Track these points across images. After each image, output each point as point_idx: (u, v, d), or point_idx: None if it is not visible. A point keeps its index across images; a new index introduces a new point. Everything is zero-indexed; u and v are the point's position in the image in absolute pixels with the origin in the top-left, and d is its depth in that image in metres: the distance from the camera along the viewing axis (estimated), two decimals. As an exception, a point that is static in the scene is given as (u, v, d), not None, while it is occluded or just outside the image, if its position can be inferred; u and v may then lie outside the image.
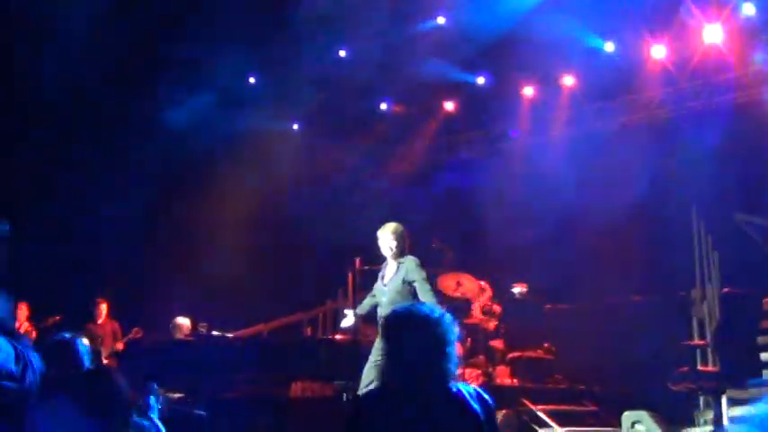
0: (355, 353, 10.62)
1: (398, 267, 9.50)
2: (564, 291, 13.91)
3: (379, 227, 9.66)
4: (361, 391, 9.23)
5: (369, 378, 9.04)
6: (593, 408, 11.82)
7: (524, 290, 13.47)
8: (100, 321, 14.92)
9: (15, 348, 3.68)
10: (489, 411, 3.87)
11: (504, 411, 11.04)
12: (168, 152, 15.37)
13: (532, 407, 11.29)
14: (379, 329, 4.08)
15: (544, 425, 11.02)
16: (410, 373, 3.81)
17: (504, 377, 12.75)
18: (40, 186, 15.27)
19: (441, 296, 13.44)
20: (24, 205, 14.58)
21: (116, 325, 14.94)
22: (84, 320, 14.84)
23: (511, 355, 13.02)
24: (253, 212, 15.80)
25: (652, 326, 12.40)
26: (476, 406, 3.85)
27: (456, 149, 16.80)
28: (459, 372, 11.87)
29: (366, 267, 13.74)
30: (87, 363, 5.35)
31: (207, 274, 15.32)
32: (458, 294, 13.15)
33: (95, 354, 14.41)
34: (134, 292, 15.79)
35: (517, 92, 15.58)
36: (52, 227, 15.36)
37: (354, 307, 10.11)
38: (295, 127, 17.19)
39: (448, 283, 13.22)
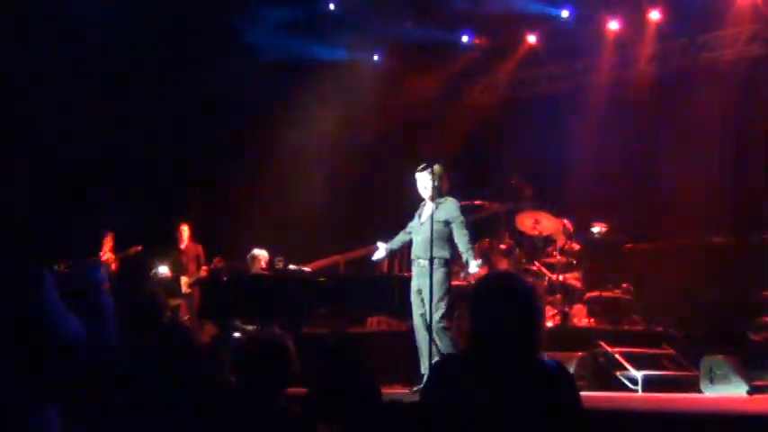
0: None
1: (437, 207, 9.47)
2: (645, 231, 13.72)
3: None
4: (415, 318, 9.45)
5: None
6: (670, 351, 11.69)
7: (604, 229, 13.33)
8: (183, 246, 15.10)
9: None
10: (572, 387, 3.80)
11: (579, 353, 11.01)
12: (245, 79, 15.34)
13: (609, 349, 11.22)
14: (470, 294, 3.97)
15: (620, 367, 10.96)
16: (497, 342, 3.74)
17: (580, 317, 12.69)
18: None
19: (519, 234, 13.46)
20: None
21: (200, 249, 15.10)
22: (167, 247, 15.09)
23: (588, 295, 12.93)
24: (331, 143, 15.80)
25: (735, 269, 12.20)
26: (560, 382, 3.78)
27: (538, 84, 16.53)
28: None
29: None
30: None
31: (287, 203, 15.42)
32: (536, 233, 13.08)
33: (176, 281, 14.68)
34: (216, 217, 15.96)
35: (602, 26, 15.25)
36: (135, 152, 15.54)
37: (387, 241, 10.05)
38: (375, 58, 17.04)
39: (526, 221, 13.13)
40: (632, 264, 13.30)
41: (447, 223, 9.40)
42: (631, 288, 12.96)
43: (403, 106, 16.29)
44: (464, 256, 9.40)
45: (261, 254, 13.01)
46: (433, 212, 9.45)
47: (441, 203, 9.48)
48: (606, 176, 14.12)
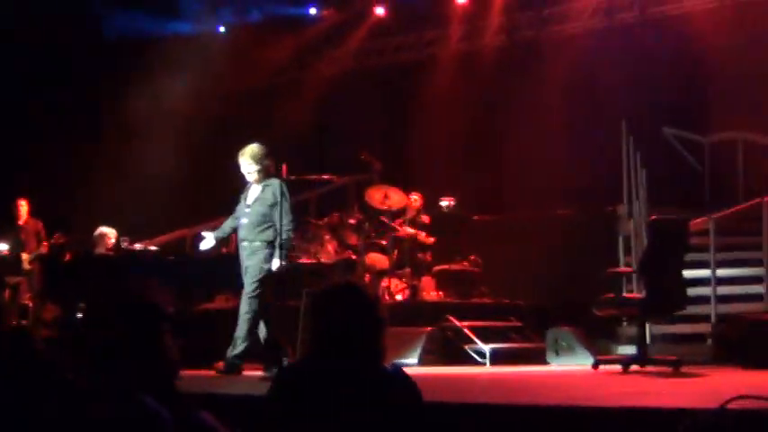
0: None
1: (263, 189, 9.48)
2: (492, 204, 13.88)
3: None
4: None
5: None
6: (517, 324, 11.90)
7: (452, 203, 13.42)
8: (21, 222, 14.61)
9: None
10: (415, 394, 3.77)
11: (428, 328, 11.09)
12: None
13: (457, 323, 11.34)
14: (314, 302, 3.90)
15: (469, 341, 11.10)
16: (339, 350, 3.68)
17: (429, 290, 12.77)
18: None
19: (369, 209, 13.44)
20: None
21: (40, 224, 14.63)
22: (5, 223, 14.58)
23: (437, 268, 13.02)
24: (184, 113, 15.50)
25: (579, 241, 12.43)
26: (407, 390, 3.74)
27: (386, 55, 16.49)
28: (385, 284, 11.95)
29: (293, 177, 13.67)
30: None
31: (137, 173, 15.06)
32: (385, 207, 13.07)
33: (15, 261, 14.19)
34: (57, 190, 15.50)
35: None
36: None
37: (214, 230, 9.97)
38: (222, 30, 16.77)
39: (375, 195, 13.11)
40: (480, 237, 13.43)
41: (272, 206, 9.35)
42: (479, 260, 13.08)
43: (250, 79, 16.09)
44: (281, 244, 9.27)
45: (108, 232, 12.65)
46: (259, 195, 9.45)
47: (267, 185, 9.47)
48: (454, 149, 14.21)
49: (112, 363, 3.31)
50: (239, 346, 9.17)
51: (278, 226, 9.26)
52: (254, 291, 9.20)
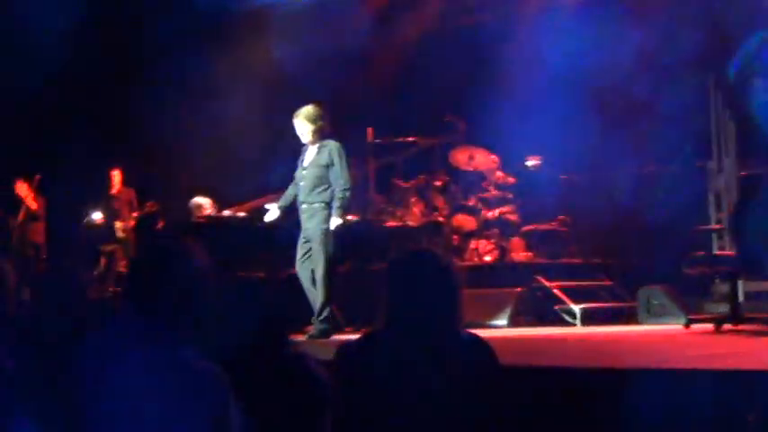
0: (358, 233, 10.69)
1: (319, 150, 9.50)
2: (579, 162, 13.70)
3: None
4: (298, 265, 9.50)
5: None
6: (608, 283, 11.80)
7: (538, 162, 13.29)
8: (114, 191, 14.89)
9: None
10: (494, 362, 3.75)
11: (518, 289, 11.07)
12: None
13: (546, 283, 11.29)
14: (389, 268, 3.88)
15: (559, 302, 11.04)
16: (416, 317, 3.68)
17: (518, 250, 12.71)
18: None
19: (454, 170, 13.41)
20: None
21: (132, 193, 14.91)
22: (98, 193, 14.86)
23: (525, 228, 12.95)
24: (270, 79, 15.52)
25: (668, 197, 12.24)
26: (481, 356, 3.73)
27: (470, 12, 16.25)
28: (473, 245, 11.93)
29: (378, 140, 13.70)
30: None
31: (221, 144, 15.15)
32: (471, 168, 13.04)
33: (110, 230, 14.48)
34: (150, 157, 15.69)
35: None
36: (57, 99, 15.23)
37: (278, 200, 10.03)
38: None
39: (460, 157, 13.09)
40: (568, 196, 13.28)
41: (328, 167, 9.39)
42: (568, 220, 12.98)
43: (335, 44, 16.03)
44: (335, 203, 9.38)
45: (204, 201, 12.84)
46: (315, 157, 9.48)
47: (323, 146, 9.48)
48: (538, 108, 14.03)
49: None
50: (324, 311, 9.24)
51: (334, 187, 9.33)
52: (320, 253, 9.25)
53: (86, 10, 13.69)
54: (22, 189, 14.54)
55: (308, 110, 9.55)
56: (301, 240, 9.50)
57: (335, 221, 9.33)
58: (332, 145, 9.45)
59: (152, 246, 3.49)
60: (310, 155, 9.57)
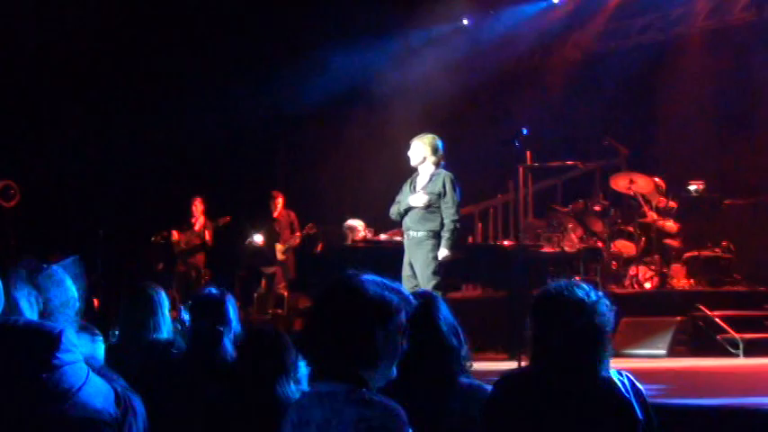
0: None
1: (431, 178, 9.49)
2: (742, 186, 13.33)
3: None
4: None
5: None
6: (773, 312, 11.41)
7: (701, 186, 12.96)
8: (276, 214, 15.16)
9: (115, 389, 3.32)
10: (644, 404, 3.65)
11: (678, 318, 10.82)
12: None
13: (708, 312, 10.99)
14: (535, 304, 3.81)
15: (720, 331, 10.74)
16: (558, 360, 3.60)
17: (679, 278, 12.40)
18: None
19: (614, 195, 13.20)
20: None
21: (293, 215, 15.16)
22: (260, 215, 15.16)
23: (687, 255, 12.63)
24: (423, 104, 15.62)
25: None
26: (631, 399, 3.63)
27: (630, 36, 15.99)
28: (632, 272, 11.71)
29: (536, 164, 13.60)
30: (236, 323, 5.19)
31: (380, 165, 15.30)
32: (631, 193, 12.81)
33: (271, 249, 14.74)
34: (309, 183, 15.99)
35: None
36: (226, 121, 15.66)
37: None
38: (465, 22, 16.78)
39: (620, 181, 12.86)
40: (732, 221, 12.92)
41: (438, 196, 9.39)
42: (732, 246, 12.60)
43: (490, 69, 16.02)
44: (445, 233, 9.35)
45: (357, 224, 12.98)
46: (427, 184, 9.49)
47: (436, 175, 9.50)
48: (700, 131, 13.73)
49: None
50: None
51: (444, 217, 9.34)
52: (431, 283, 9.19)
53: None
54: (198, 209, 14.87)
55: (431, 137, 9.61)
56: (407, 269, 9.50)
57: (443, 252, 9.32)
58: (445, 175, 9.48)
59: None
60: (422, 181, 9.60)
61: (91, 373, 3.25)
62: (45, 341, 3.14)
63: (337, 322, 3.16)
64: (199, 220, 14.83)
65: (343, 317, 3.17)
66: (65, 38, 14.37)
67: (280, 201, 15.16)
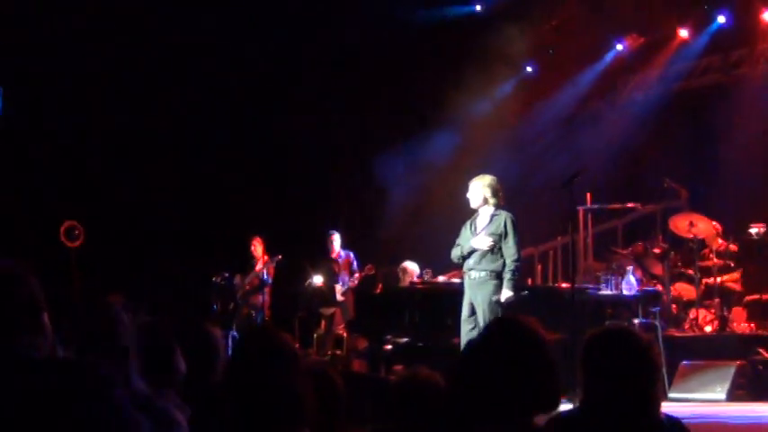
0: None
1: (491, 219, 9.59)
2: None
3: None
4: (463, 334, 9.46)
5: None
6: (835, 358, 11.23)
7: (762, 229, 12.82)
8: (334, 254, 15.21)
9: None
10: None
11: (738, 362, 10.70)
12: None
13: (769, 357, 10.87)
14: (584, 348, 3.81)
15: (780, 376, 10.61)
16: (606, 403, 3.61)
17: (739, 321, 12.28)
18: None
19: (673, 237, 13.11)
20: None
21: (351, 256, 15.20)
22: (319, 255, 15.23)
23: (748, 298, 12.52)
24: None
25: None
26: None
27: (692, 77, 15.91)
28: (692, 315, 11.61)
29: (596, 205, 13.59)
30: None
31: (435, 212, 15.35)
32: (691, 235, 12.72)
33: (330, 290, 14.79)
34: (364, 223, 16.05)
35: (757, 16, 14.61)
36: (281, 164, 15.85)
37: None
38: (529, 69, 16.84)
39: (680, 223, 12.78)
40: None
41: (500, 237, 9.46)
42: (793, 290, 12.46)
43: (554, 110, 16.05)
44: (507, 275, 9.42)
45: (412, 267, 13.04)
46: (488, 225, 9.57)
47: (495, 215, 9.58)
48: (763, 174, 13.61)
49: None
50: None
51: (506, 257, 9.39)
52: None
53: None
54: (258, 250, 14.99)
55: (491, 178, 9.72)
56: (467, 310, 9.55)
57: (506, 293, 9.37)
58: (506, 216, 9.57)
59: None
60: (482, 222, 9.67)
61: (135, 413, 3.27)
62: None
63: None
64: (260, 260, 14.95)
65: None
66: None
67: (337, 240, 15.21)
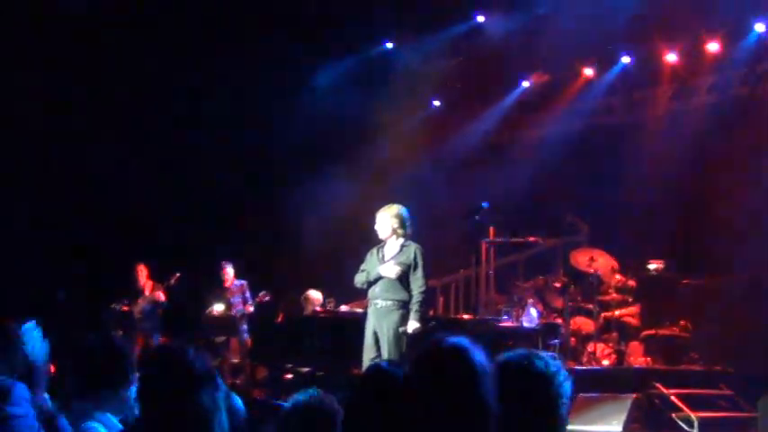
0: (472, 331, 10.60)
1: (401, 249, 9.68)
2: (702, 266, 13.44)
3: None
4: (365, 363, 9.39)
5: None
6: (728, 392, 11.45)
7: (660, 266, 13.09)
8: (227, 284, 15.05)
9: None
10: None
11: (634, 395, 10.83)
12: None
13: (664, 390, 11.03)
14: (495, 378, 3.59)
15: (676, 409, 10.76)
16: (513, 430, 3.54)
17: (636, 355, 12.49)
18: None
19: (574, 272, 13.28)
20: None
21: (244, 284, 15.03)
22: (212, 283, 15.04)
23: (645, 333, 12.74)
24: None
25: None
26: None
27: (593, 116, 16.13)
28: (590, 348, 11.75)
29: (499, 239, 13.69)
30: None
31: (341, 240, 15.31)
32: (591, 270, 12.90)
33: (229, 320, 14.61)
34: (262, 251, 15.90)
35: (659, 58, 14.90)
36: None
37: None
38: (436, 104, 16.98)
39: (581, 258, 12.99)
40: (689, 300, 13.02)
41: (409, 267, 9.54)
42: (689, 325, 12.71)
43: (459, 145, 16.18)
44: (414, 305, 9.48)
45: (315, 296, 12.99)
46: (396, 254, 9.64)
47: (405, 246, 9.66)
48: (662, 211, 13.86)
49: None
50: None
51: (413, 288, 9.46)
52: (394, 354, 9.26)
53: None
54: (142, 276, 14.76)
55: (398, 208, 9.79)
56: (370, 338, 9.57)
57: (413, 325, 9.41)
58: (416, 247, 9.66)
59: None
60: (391, 251, 9.74)
61: (41, 428, 3.24)
62: None
63: None
64: (147, 285, 14.74)
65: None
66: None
67: (230, 270, 15.04)
